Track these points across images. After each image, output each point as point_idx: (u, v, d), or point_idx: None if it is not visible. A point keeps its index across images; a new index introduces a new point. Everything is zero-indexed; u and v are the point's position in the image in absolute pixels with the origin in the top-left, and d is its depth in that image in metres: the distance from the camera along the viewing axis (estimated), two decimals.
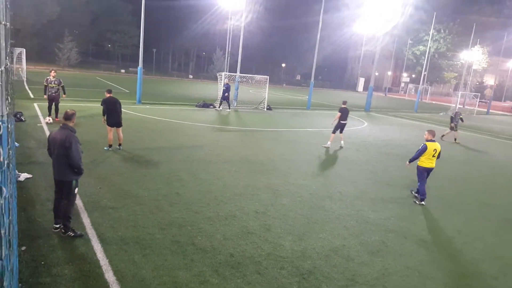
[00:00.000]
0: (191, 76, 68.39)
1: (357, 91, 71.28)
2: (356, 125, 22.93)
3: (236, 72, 27.01)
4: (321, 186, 9.76)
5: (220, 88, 24.58)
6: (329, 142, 14.84)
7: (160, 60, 77.81)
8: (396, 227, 7.59)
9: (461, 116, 19.81)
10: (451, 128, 19.50)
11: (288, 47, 78.31)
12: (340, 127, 14.90)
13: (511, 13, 57.27)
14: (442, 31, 66.17)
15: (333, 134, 14.88)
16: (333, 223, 7.47)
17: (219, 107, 23.99)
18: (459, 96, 40.74)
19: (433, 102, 53.22)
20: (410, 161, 9.31)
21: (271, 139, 15.90)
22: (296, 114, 26.03)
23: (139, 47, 22.74)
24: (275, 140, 15.75)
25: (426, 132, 9.16)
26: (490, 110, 47.40)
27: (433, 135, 9.05)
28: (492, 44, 65.34)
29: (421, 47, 66.09)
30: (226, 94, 23.22)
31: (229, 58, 33.93)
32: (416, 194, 9.32)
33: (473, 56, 59.23)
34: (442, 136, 19.70)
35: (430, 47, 45.09)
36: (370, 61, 58.37)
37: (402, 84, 77.50)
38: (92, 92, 26.18)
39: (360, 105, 34.90)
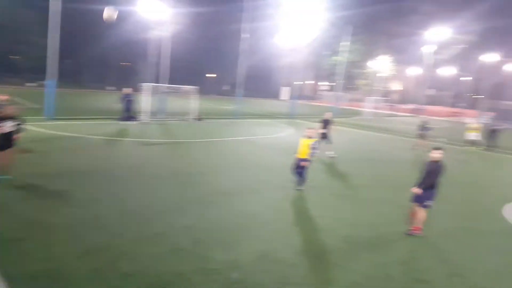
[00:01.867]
0: (112, 88, 64.42)
1: (281, 100, 73.39)
2: (281, 131, 23.40)
3: (162, 83, 26.05)
4: (250, 194, 9.66)
5: (146, 100, 23.20)
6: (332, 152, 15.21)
7: (77, 71, 72.18)
8: (320, 226, 7.71)
9: (427, 126, 19.69)
10: (419, 137, 19.57)
11: (215, 58, 78.10)
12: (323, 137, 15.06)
13: (415, 25, 63.04)
14: (355, 42, 70.84)
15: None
16: (262, 228, 7.41)
17: (126, 120, 21.10)
18: (371, 101, 43.82)
19: (349, 108, 56.61)
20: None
21: (200, 150, 15.53)
22: (225, 124, 25.85)
23: (48, 58, 19.76)
24: (204, 151, 15.41)
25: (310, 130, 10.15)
26: (397, 112, 51.64)
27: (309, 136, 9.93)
28: (397, 53, 71.34)
29: (337, 58, 70.04)
30: (131, 106, 21.05)
31: (153, 68, 32.72)
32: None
33: (381, 65, 64.20)
34: (414, 146, 19.67)
35: (345, 58, 47.83)
36: (292, 71, 60.26)
37: (322, 92, 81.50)
38: None
39: (285, 113, 35.82)
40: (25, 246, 5.90)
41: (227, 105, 41.98)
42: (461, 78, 79.93)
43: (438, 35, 51.52)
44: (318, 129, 14.86)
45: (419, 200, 7.39)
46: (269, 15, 55.43)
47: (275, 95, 79.51)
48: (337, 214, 8.71)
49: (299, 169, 9.89)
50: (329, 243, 6.98)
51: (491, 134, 22.58)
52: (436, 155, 7.34)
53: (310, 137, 9.86)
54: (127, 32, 60.51)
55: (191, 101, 25.81)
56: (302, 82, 77.37)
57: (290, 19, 40.23)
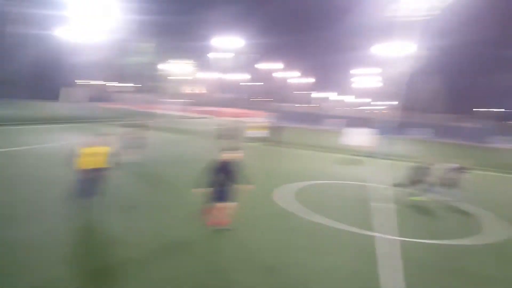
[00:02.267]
0: None
1: (69, 102, 66.46)
2: (58, 139, 19.48)
3: None
4: (22, 216, 7.98)
5: None
6: None
7: None
8: (113, 238, 7.62)
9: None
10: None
11: None
12: None
13: (208, 32, 67.93)
14: (150, 44, 70.93)
15: None
16: (33, 257, 6.20)
17: None
18: (171, 103, 44.82)
19: (149, 110, 56.43)
20: None
21: None
22: None
23: None
24: None
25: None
26: (196, 114, 54.81)
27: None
28: (195, 58, 75.34)
29: (136, 59, 68.66)
30: None
31: None
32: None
33: (176, 68, 66.69)
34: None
35: (141, 59, 47.41)
36: (81, 70, 55.47)
37: (115, 93, 78.09)
38: None
39: (72, 117, 31.46)
40: None
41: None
42: (248, 83, 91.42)
43: (227, 43, 57.30)
44: (123, 134, 14.52)
45: (213, 198, 7.66)
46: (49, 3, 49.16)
47: (56, 97, 71.00)
48: (128, 223, 8.13)
49: (90, 181, 8.08)
50: (121, 255, 6.58)
51: (275, 131, 26.95)
52: (226, 155, 7.74)
53: (106, 144, 8.41)
54: None
55: None
56: (94, 83, 72.27)
57: (78, 14, 37.08)
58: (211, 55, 63.50)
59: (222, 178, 7.62)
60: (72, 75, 72.52)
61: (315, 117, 61.90)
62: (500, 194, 15.93)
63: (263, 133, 25.99)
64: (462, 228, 10.01)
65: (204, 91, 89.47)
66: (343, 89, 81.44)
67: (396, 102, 25.29)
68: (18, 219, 7.62)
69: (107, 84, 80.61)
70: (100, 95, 73.40)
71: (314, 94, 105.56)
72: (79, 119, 30.22)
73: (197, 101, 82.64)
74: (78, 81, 48.27)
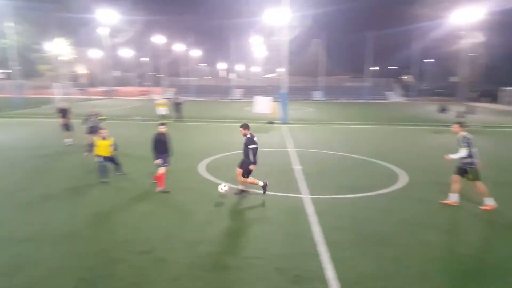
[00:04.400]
0: None
1: None
2: None
3: None
4: None
5: None
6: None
7: None
8: (29, 234, 6.80)
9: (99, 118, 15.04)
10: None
11: None
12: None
13: (86, 4, 60.55)
14: (24, 23, 61.07)
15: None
16: None
17: None
18: (59, 87, 40.00)
19: (36, 96, 49.57)
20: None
21: None
22: None
23: None
24: None
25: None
26: (90, 96, 49.80)
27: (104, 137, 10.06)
28: (76, 36, 67.14)
29: (6, 41, 58.64)
30: None
31: None
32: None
33: (59, 48, 59.15)
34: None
35: (15, 41, 40.80)
36: None
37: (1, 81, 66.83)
38: None
39: None
40: None
41: None
42: (141, 59, 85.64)
43: (110, 17, 51.96)
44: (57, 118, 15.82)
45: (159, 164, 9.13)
46: None
47: None
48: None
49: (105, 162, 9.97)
50: (40, 251, 6.32)
51: (176, 107, 25.73)
52: (161, 129, 9.31)
53: (105, 138, 10.00)
54: None
55: None
56: None
57: None
58: (98, 31, 57.46)
59: (163, 146, 9.29)
60: None
61: (217, 89, 61.46)
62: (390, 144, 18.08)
63: (165, 110, 24.71)
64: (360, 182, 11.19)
65: (95, 70, 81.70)
66: (237, 59, 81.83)
67: (285, 69, 26.39)
68: None
69: None
70: None
71: (217, 66, 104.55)
72: None
73: (90, 82, 75.27)
74: None
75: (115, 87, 60.60)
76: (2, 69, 66.48)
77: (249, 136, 8.95)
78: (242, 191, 9.13)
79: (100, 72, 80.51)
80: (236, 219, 7.75)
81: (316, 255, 6.04)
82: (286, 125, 23.17)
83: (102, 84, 62.45)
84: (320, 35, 65.92)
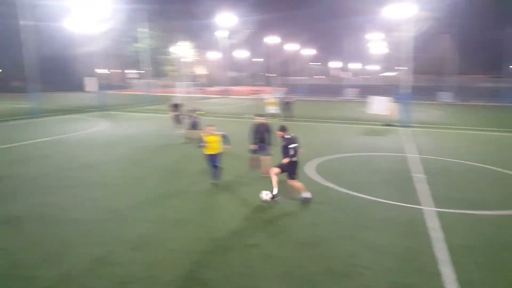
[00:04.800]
0: None
1: (86, 92, 67.05)
2: (94, 126, 21.66)
3: None
4: (70, 198, 8.80)
5: None
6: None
7: None
8: (153, 216, 7.77)
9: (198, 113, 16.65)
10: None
11: None
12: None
13: (209, 10, 66.66)
14: (155, 28, 69.99)
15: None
16: (91, 233, 6.93)
17: None
18: (181, 86, 44.73)
19: (162, 94, 56.38)
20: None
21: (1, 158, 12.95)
22: (24, 125, 22.10)
23: None
24: (4, 159, 12.96)
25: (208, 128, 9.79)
26: (206, 95, 54.40)
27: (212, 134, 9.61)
28: (197, 39, 74.17)
29: (138, 45, 68.05)
30: None
31: None
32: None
33: (183, 50, 65.90)
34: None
35: (147, 44, 47.03)
36: (94, 60, 55.63)
37: (130, 81, 78.08)
38: None
39: (94, 106, 32.99)
40: None
41: (21, 104, 35.74)
42: (254, 60, 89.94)
43: (226, 21, 56.00)
44: (170, 112, 18.19)
45: (259, 151, 10.62)
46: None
47: (77, 87, 71.80)
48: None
49: (214, 163, 9.76)
50: (167, 231, 7.14)
51: (285, 106, 26.44)
52: (260, 119, 10.71)
53: (213, 133, 9.63)
54: None
55: None
56: (108, 71, 72.33)
57: (80, 4, 36.57)
58: (217, 33, 62.36)
59: (262, 136, 10.58)
60: (85, 65, 72.68)
61: (329, 88, 60.72)
62: None
63: (275, 109, 25.57)
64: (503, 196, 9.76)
65: (212, 71, 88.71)
66: (352, 57, 79.49)
67: (408, 67, 24.47)
68: (59, 199, 7.78)
69: (119, 72, 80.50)
70: (118, 83, 73.62)
71: (330, 65, 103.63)
72: (102, 107, 30.73)
73: (208, 81, 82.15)
74: (95, 71, 48.46)
75: (229, 87, 64.87)
76: (135, 70, 77.43)
77: (289, 136, 8.81)
78: (306, 198, 8.58)
79: (217, 72, 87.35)
80: (344, 224, 7.54)
81: (437, 275, 5.50)
82: (406, 129, 21.56)
83: (219, 83, 67.50)
84: (451, 30, 59.50)
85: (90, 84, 34.82)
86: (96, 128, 20.61)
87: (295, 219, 7.73)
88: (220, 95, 57.93)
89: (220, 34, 61.14)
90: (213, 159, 9.73)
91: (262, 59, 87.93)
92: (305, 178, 10.77)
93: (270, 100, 26.64)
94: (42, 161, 12.75)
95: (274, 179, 8.50)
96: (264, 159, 10.63)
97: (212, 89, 66.77)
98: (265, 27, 73.08)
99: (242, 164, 11.88)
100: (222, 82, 63.24)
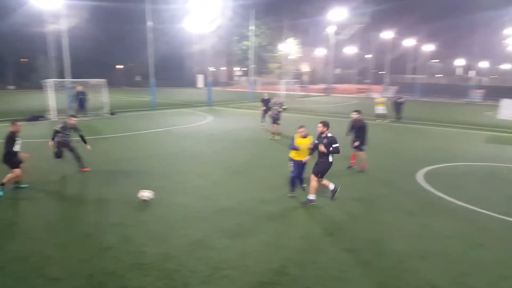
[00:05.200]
0: (12, 87, 58.61)
1: (197, 88, 72.65)
2: (201, 120, 23.43)
3: (65, 78, 24.27)
4: (175, 184, 9.70)
5: (51, 97, 21.81)
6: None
7: None
8: (249, 208, 8.11)
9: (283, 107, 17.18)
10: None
11: (121, 47, 74.13)
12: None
13: (317, 6, 66.63)
14: (261, 26, 72.54)
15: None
16: (192, 217, 7.54)
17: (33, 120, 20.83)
18: (284, 84, 45.63)
19: (264, 91, 58.28)
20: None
21: (117, 145, 15.00)
22: (141, 116, 25.03)
23: None
24: (122, 145, 14.92)
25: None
26: (308, 93, 54.33)
27: (304, 136, 8.57)
28: (302, 35, 74.61)
29: (246, 43, 71.28)
30: (85, 104, 21.83)
31: (55, 63, 30.18)
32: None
33: (288, 47, 66.75)
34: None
35: (253, 42, 48.91)
36: (204, 58, 60.08)
37: (236, 78, 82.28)
38: None
39: (202, 101, 35.72)
40: None
41: (140, 97, 40.52)
42: (365, 56, 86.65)
43: (337, 16, 54.94)
44: (260, 107, 19.64)
45: (357, 147, 11.05)
46: (173, 1, 54.15)
47: (190, 83, 78.40)
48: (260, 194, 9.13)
49: (298, 172, 8.70)
50: (258, 222, 7.42)
51: (395, 106, 24.96)
52: (356, 116, 11.12)
53: (305, 136, 8.57)
54: (22, 26, 54.71)
55: (101, 95, 24.53)
56: (216, 69, 77.29)
57: (194, 3, 39.72)
58: (324, 29, 61.74)
59: (360, 132, 11.03)
60: (197, 63, 78.88)
61: (451, 89, 55.28)
62: None
63: (384, 109, 24.18)
64: None
65: (317, 68, 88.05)
66: (480, 55, 70.93)
67: None
68: (169, 186, 8.60)
69: (226, 69, 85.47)
70: (224, 80, 78.53)
71: (455, 63, 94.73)
72: (209, 102, 33.05)
73: (312, 79, 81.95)
74: (206, 68, 52.28)
75: (334, 84, 63.69)
76: (240, 67, 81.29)
77: (330, 135, 8.24)
78: (334, 191, 8.61)
79: (321, 69, 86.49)
80: (454, 239, 6.83)
81: None
82: None
83: (323, 81, 66.80)
84: None
85: (200, 80, 37.69)
86: (201, 122, 22.27)
87: (398, 229, 7.28)
88: (323, 93, 57.28)
89: (328, 30, 60.41)
90: (299, 168, 8.67)
91: (371, 55, 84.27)
92: (413, 186, 10.08)
93: (379, 99, 25.43)
94: (152, 149, 14.28)
95: (324, 182, 8.52)
96: (360, 154, 11.19)
97: (315, 86, 66.43)
98: (377, 21, 69.89)
99: (339, 161, 11.63)
100: (326, 80, 62.41)
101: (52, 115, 21.63)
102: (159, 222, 7.27)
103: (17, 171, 8.70)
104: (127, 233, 6.74)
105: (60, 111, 22.01)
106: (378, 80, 71.64)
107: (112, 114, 24.31)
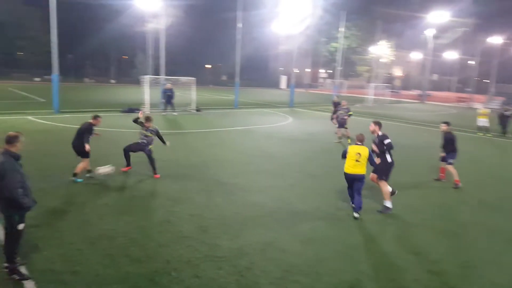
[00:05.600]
0: (113, 81, 65.28)
1: (280, 89, 73.40)
2: (281, 120, 23.63)
3: (160, 75, 26.36)
4: (252, 183, 9.91)
5: (147, 92, 23.91)
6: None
7: (78, 65, 72.70)
8: (324, 215, 7.97)
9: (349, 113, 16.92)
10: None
11: (211, 48, 78.15)
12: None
13: (413, 8, 63.04)
14: (352, 28, 70.67)
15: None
16: (266, 217, 7.64)
17: (164, 112, 23.50)
18: (372, 88, 43.93)
19: (350, 95, 56.62)
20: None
21: (201, 140, 15.83)
22: (225, 114, 26.10)
23: (52, 53, 21.05)
24: (206, 140, 15.68)
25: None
26: (400, 99, 51.58)
27: (360, 140, 7.87)
28: (397, 38, 71.07)
29: (335, 44, 70.02)
30: (172, 100, 23.09)
31: (152, 61, 32.95)
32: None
33: (381, 50, 63.99)
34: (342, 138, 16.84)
35: (342, 44, 47.88)
36: (289, 59, 60.57)
37: (321, 80, 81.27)
38: (4, 105, 23.78)
39: (284, 102, 36.01)
40: (41, 232, 6.34)
41: (225, 95, 42.20)
42: (464, 61, 79.67)
43: (437, 18, 51.16)
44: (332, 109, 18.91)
45: (444, 159, 10.60)
46: (263, 2, 55.48)
47: (273, 84, 79.51)
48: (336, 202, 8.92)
49: (356, 188, 7.74)
50: (334, 231, 7.26)
51: (501, 119, 22.45)
52: (445, 127, 10.57)
53: (361, 142, 7.80)
54: (124, 26, 60.62)
55: (189, 92, 26.12)
56: (300, 70, 77.21)
57: (284, 5, 40.14)
58: (422, 32, 57.96)
59: (451, 144, 10.47)
60: (282, 64, 79.81)
61: None
62: None
63: (486, 121, 21.97)
64: None
65: (411, 73, 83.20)
66: None
67: None
68: (247, 184, 8.81)
69: (311, 71, 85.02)
70: (308, 82, 78.34)
71: None
72: (291, 104, 33.28)
73: (404, 84, 77.63)
74: (291, 70, 52.85)
75: (430, 91, 59.58)
76: (326, 69, 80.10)
77: (381, 133, 8.37)
78: (392, 192, 8.29)
79: (416, 75, 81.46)
80: None
81: None
82: None
83: (417, 87, 62.89)
84: None
85: (284, 81, 38.11)
86: (282, 123, 22.46)
87: (494, 257, 6.55)
88: (416, 100, 53.94)
89: (427, 33, 56.69)
90: (352, 182, 7.75)
91: (475, 62, 77.00)
92: None
93: (482, 110, 23.11)
94: (232, 146, 14.79)
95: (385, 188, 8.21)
96: (448, 167, 10.60)
97: (408, 92, 62.79)
98: (484, 23, 63.59)
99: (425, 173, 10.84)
100: (422, 86, 58.60)
101: (146, 109, 23.63)
102: (235, 218, 7.49)
103: (87, 161, 9.30)
104: (205, 224, 7.06)
105: (153, 105, 23.99)
106: (481, 89, 65.31)
107: (198, 110, 25.75)
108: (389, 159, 8.16)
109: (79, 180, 9.14)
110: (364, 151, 7.63)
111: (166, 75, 26.73)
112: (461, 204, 9.31)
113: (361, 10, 67.21)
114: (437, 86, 76.82)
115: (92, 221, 6.90)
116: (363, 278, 5.53)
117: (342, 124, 16.58)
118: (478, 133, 21.96)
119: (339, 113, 16.95)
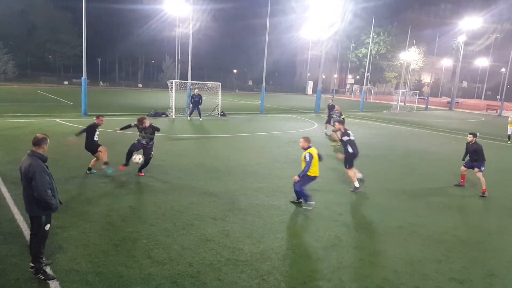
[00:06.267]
0: (140, 85, 66.76)
1: (307, 94, 73.09)
2: (307, 126, 23.50)
3: (187, 80, 26.76)
4: (276, 188, 9.88)
5: (172, 96, 24.26)
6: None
7: (106, 69, 74.82)
8: (348, 221, 7.86)
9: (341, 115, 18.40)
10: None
11: (238, 53, 78.93)
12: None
13: (444, 14, 61.74)
14: (381, 33, 69.72)
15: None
16: (289, 222, 7.60)
17: (189, 116, 23.77)
18: (400, 94, 43.11)
19: (377, 101, 55.74)
20: (301, 175, 8.28)
21: (226, 145, 15.91)
22: (250, 119, 26.20)
23: (82, 56, 21.62)
24: (230, 145, 15.77)
25: (302, 140, 8.52)
26: (428, 106, 50.40)
27: (309, 141, 8.49)
28: (427, 44, 69.62)
29: (363, 50, 69.22)
30: (199, 105, 23.13)
31: (179, 65, 33.53)
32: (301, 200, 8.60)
33: (410, 56, 62.75)
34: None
35: (371, 50, 47.31)
36: (317, 64, 60.26)
37: (348, 86, 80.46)
38: (33, 107, 24.77)
39: (310, 108, 35.85)
40: (66, 233, 6.47)
41: (251, 100, 42.37)
42: (499, 69, 77.02)
43: (470, 24, 49.78)
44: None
45: (470, 166, 10.69)
46: (291, 8, 55.58)
47: (299, 90, 79.28)
48: (367, 209, 8.80)
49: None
50: (357, 237, 7.15)
51: None
52: (470, 138, 10.71)
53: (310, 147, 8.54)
54: (153, 31, 62.07)
55: (215, 97, 26.39)
56: (326, 76, 76.69)
57: (314, 11, 40.05)
58: (453, 38, 56.55)
59: (476, 155, 10.57)
60: (307, 69, 79.52)
61: None
62: None
63: None
64: None
65: (440, 80, 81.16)
66: None
67: None
68: (269, 189, 8.79)
69: (343, 77, 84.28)
70: (336, 88, 77.74)
71: None
72: (317, 110, 33.08)
73: (433, 91, 75.75)
74: (318, 75, 52.66)
75: (459, 99, 57.91)
76: (353, 75, 79.18)
77: (343, 131, 10.23)
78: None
79: (446, 81, 79.40)
80: None
81: None
82: None
83: (446, 94, 61.27)
84: None
85: (310, 87, 37.99)
86: (307, 129, 22.32)
87: None
88: (444, 107, 52.53)
89: (458, 39, 55.26)
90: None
91: (506, 69, 74.39)
92: None
93: None
94: (256, 152, 14.79)
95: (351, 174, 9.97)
96: (478, 175, 10.49)
97: (437, 99, 61.24)
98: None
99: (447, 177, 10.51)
100: (450, 93, 57.03)
101: (172, 113, 24.00)
102: (257, 222, 7.48)
103: (103, 152, 10.01)
104: (228, 228, 7.09)
105: (178, 110, 24.36)
106: None
107: (223, 115, 25.95)
108: (349, 149, 9.92)
109: (99, 171, 10.11)
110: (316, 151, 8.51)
111: (193, 79, 27.14)
112: (487, 213, 9.02)
113: (391, 15, 66.32)
114: (466, 93, 74.60)
115: (116, 223, 7.02)
116: (386, 285, 5.42)
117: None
118: (508, 142, 21.39)
119: (333, 117, 18.26)
